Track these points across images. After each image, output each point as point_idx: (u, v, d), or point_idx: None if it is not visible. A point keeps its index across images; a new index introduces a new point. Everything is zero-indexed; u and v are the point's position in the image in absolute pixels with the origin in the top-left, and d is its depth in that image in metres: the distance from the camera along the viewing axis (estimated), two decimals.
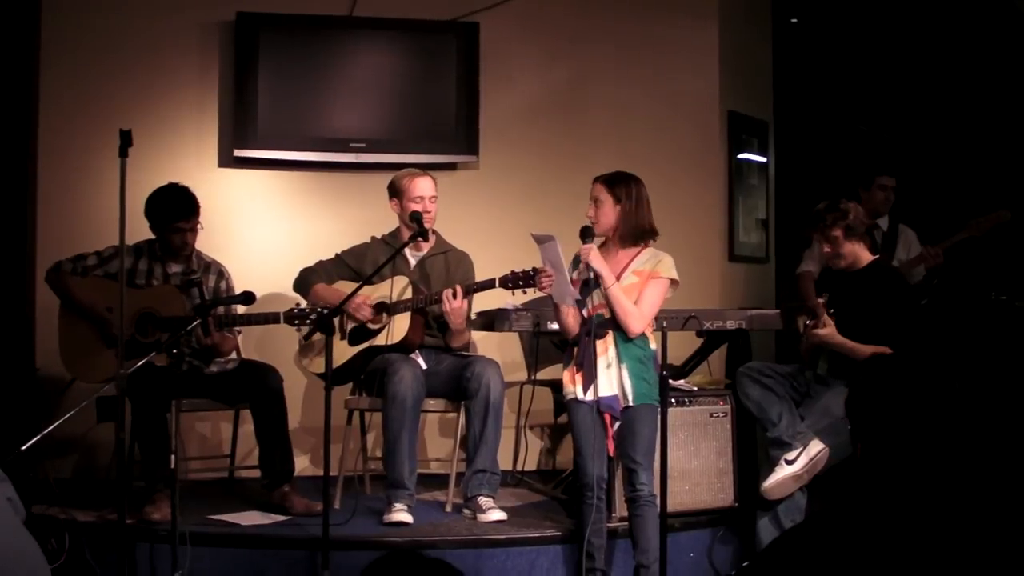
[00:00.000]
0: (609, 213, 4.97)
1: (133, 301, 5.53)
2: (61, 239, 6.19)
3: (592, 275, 4.86)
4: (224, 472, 6.28)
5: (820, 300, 5.35)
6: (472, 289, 5.51)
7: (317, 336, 5.55)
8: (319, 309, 5.24)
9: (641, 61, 7.29)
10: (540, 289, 4.94)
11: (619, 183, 5.00)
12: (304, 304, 5.69)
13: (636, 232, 5.00)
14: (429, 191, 5.72)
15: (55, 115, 6.64)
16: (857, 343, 5.25)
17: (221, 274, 5.84)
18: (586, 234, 4.89)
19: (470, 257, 5.95)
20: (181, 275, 5.72)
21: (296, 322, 5.47)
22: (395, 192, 5.76)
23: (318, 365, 5.56)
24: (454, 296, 5.43)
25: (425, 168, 6.00)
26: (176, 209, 5.64)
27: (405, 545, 4.98)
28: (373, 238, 5.94)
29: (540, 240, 4.85)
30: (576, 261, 4.96)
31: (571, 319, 4.96)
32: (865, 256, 5.47)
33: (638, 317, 4.88)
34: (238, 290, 5.63)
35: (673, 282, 4.99)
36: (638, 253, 5.01)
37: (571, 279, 4.91)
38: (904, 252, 6.87)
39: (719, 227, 7.48)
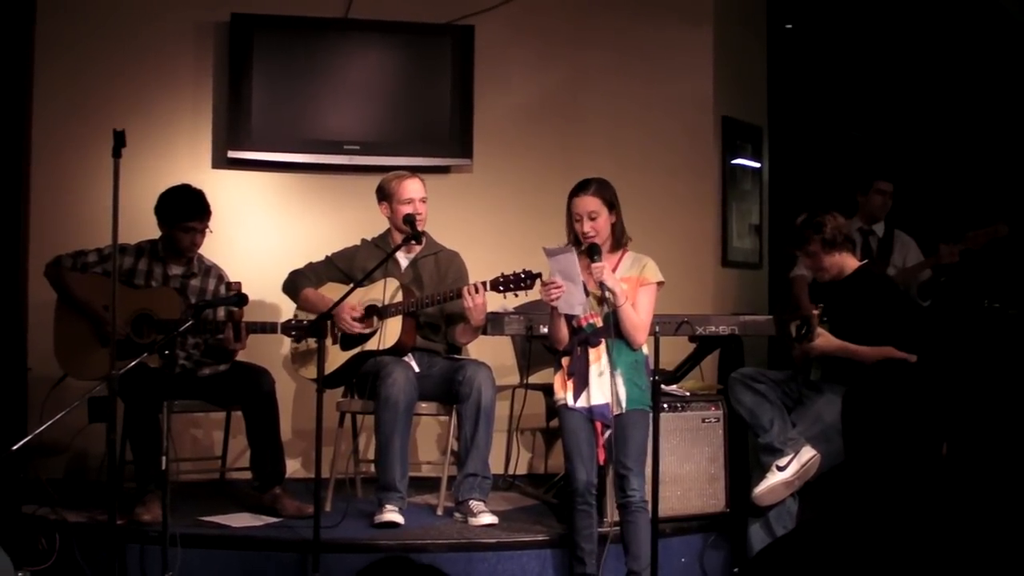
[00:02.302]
0: (606, 223, 4.94)
1: (131, 301, 5.53)
2: (54, 239, 6.18)
3: (605, 293, 4.83)
4: (215, 474, 6.27)
5: (815, 311, 5.34)
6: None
7: (310, 342, 5.58)
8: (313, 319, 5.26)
9: (636, 65, 7.30)
10: (547, 301, 4.88)
11: (606, 190, 4.97)
12: (299, 313, 5.72)
13: (621, 236, 5.01)
14: (419, 193, 5.71)
15: (49, 115, 6.63)
16: (856, 346, 5.25)
17: (221, 278, 5.83)
18: (594, 252, 4.83)
19: (460, 256, 5.95)
20: (182, 277, 5.73)
21: (293, 333, 5.50)
22: (384, 195, 5.75)
23: (311, 371, 5.56)
24: (475, 291, 5.42)
25: (419, 171, 6.00)
26: (190, 208, 5.65)
27: (396, 548, 4.97)
28: (363, 240, 5.94)
29: (554, 252, 4.75)
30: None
31: (564, 330, 4.95)
32: (850, 264, 5.46)
33: (643, 329, 4.89)
34: None
35: (659, 284, 4.99)
36: (620, 258, 5.01)
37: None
38: (900, 257, 6.88)
39: (712, 232, 7.48)
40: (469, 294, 5.41)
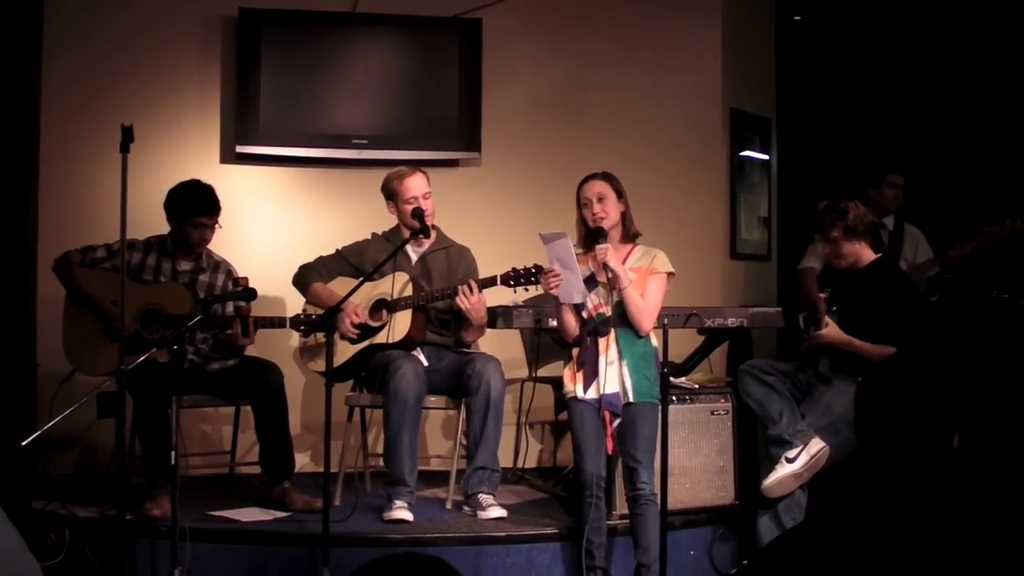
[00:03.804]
0: (615, 207, 4.98)
1: (139, 296, 5.53)
2: (63, 234, 6.17)
3: (608, 276, 4.84)
4: (224, 468, 6.28)
5: (822, 296, 5.33)
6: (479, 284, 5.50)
7: (318, 335, 5.58)
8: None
9: (643, 58, 7.29)
10: (546, 289, 4.92)
11: (613, 178, 5.03)
12: (308, 307, 5.74)
13: (631, 229, 5.03)
14: (422, 189, 5.71)
15: (57, 110, 6.63)
16: (862, 342, 5.24)
17: (229, 273, 5.84)
18: (599, 235, 4.87)
19: (471, 251, 5.95)
20: (191, 273, 5.73)
21: (302, 328, 5.50)
22: (389, 195, 5.75)
23: (320, 365, 5.55)
24: (470, 291, 5.42)
25: (427, 165, 5.99)
26: (200, 203, 5.65)
27: (405, 542, 4.98)
28: (374, 234, 5.94)
29: (549, 239, 4.79)
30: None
31: (571, 319, 4.95)
32: (867, 255, 5.45)
33: (649, 315, 4.89)
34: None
35: (670, 275, 5.00)
36: (630, 251, 5.02)
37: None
38: (911, 251, 6.86)
39: (721, 224, 7.47)
40: (464, 295, 5.42)
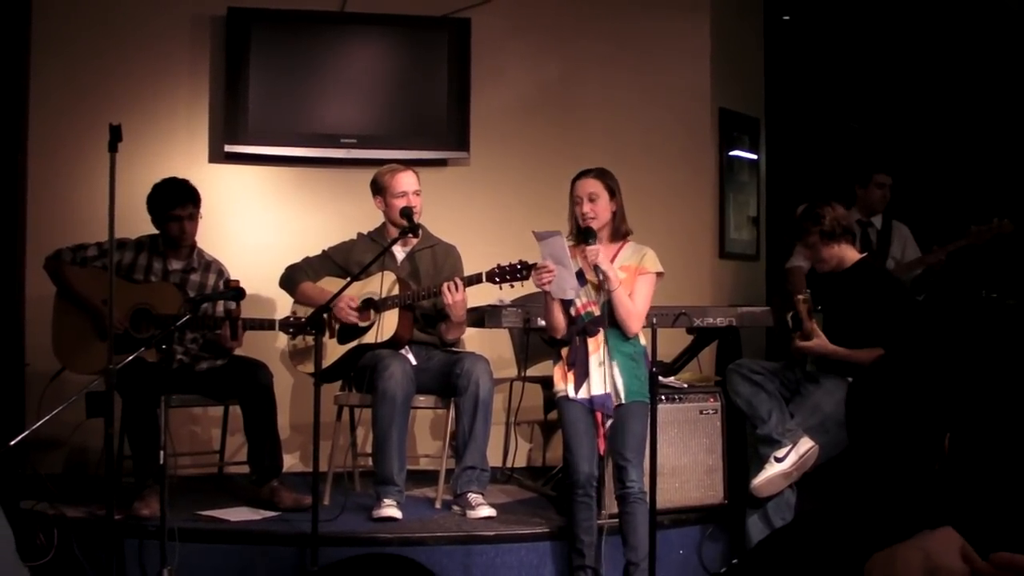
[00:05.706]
0: (606, 207, 4.97)
1: (130, 296, 5.52)
2: (52, 234, 6.16)
3: (598, 277, 4.84)
4: (213, 468, 6.28)
5: (801, 297, 5.32)
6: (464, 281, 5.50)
7: (307, 338, 5.57)
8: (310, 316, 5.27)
9: (633, 57, 7.29)
10: (539, 285, 4.91)
11: (608, 176, 5.03)
12: (296, 308, 5.72)
13: (621, 226, 5.03)
14: (412, 186, 5.71)
15: (46, 109, 6.62)
16: (850, 350, 5.23)
17: (221, 273, 5.83)
18: (588, 235, 4.86)
19: (457, 249, 5.95)
20: (182, 272, 5.72)
21: (291, 330, 5.49)
22: (378, 189, 5.75)
23: (310, 366, 5.54)
24: (455, 288, 5.42)
25: (416, 164, 5.99)
26: (172, 196, 5.63)
27: (394, 542, 4.97)
28: (359, 234, 5.94)
29: (542, 236, 4.79)
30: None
31: (560, 316, 4.95)
32: (850, 256, 5.44)
33: (637, 317, 4.89)
34: None
35: (659, 275, 5.00)
36: (620, 248, 5.03)
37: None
38: (899, 249, 6.87)
39: (710, 224, 7.48)
40: (449, 291, 5.42)
